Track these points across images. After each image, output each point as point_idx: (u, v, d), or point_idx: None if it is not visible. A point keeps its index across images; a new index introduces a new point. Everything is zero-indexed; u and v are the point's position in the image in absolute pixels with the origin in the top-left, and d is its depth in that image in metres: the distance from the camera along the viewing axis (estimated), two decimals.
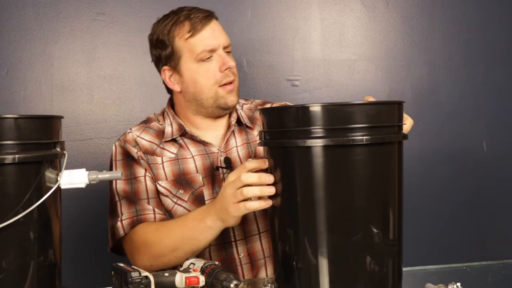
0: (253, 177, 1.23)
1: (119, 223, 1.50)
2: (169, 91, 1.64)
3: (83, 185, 1.12)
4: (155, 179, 1.54)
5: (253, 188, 1.23)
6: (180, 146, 1.58)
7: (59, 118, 1.16)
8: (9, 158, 1.02)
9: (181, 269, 1.27)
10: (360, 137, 1.09)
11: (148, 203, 1.51)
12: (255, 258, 1.56)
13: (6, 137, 1.04)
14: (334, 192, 1.11)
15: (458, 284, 1.18)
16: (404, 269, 1.20)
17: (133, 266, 1.18)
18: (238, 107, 1.64)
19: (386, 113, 1.16)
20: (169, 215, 1.53)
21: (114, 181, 1.54)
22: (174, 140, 1.58)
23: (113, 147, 1.59)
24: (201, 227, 1.38)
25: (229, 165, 1.56)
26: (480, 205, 2.29)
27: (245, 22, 2.14)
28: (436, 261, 1.61)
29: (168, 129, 1.59)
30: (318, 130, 1.10)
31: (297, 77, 2.19)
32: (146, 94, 2.09)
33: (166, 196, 1.54)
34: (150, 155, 1.56)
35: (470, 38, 2.27)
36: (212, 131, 1.61)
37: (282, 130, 1.16)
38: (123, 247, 1.52)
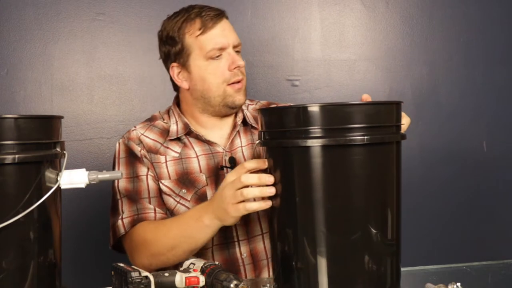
0: (254, 178, 1.23)
1: (119, 222, 1.50)
2: (176, 88, 1.64)
3: (83, 185, 1.12)
4: (157, 178, 1.54)
5: (253, 189, 1.23)
6: (185, 145, 1.58)
7: (59, 118, 1.16)
8: (9, 158, 1.03)
9: (181, 269, 1.27)
10: (359, 137, 1.09)
11: (149, 202, 1.52)
12: (258, 259, 1.56)
13: (6, 137, 1.04)
14: (333, 192, 1.11)
15: (458, 284, 1.18)
16: (404, 269, 1.20)
17: (133, 266, 1.18)
18: (243, 107, 1.64)
19: (384, 113, 1.16)
20: (171, 214, 1.53)
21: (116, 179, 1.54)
22: (178, 139, 1.58)
23: (117, 145, 1.59)
24: (198, 225, 1.37)
25: (234, 165, 1.55)
26: (480, 205, 2.29)
27: (245, 22, 2.14)
28: (436, 261, 1.61)
29: (173, 128, 1.59)
30: (316, 130, 1.10)
31: (297, 77, 2.19)
32: (146, 94, 2.09)
33: (169, 195, 1.54)
34: (153, 153, 1.56)
35: (470, 38, 2.27)
36: (218, 130, 1.61)
37: (281, 130, 1.16)
38: (123, 245, 1.53)
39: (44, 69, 2.03)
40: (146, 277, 1.14)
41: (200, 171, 1.55)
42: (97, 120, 2.06)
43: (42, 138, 1.09)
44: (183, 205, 1.53)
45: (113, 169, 1.59)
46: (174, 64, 1.58)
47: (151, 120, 1.64)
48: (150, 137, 1.58)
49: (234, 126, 1.61)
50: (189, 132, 1.58)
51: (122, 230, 1.49)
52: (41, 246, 1.09)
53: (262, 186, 1.21)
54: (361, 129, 1.10)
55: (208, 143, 1.58)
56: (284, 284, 1.18)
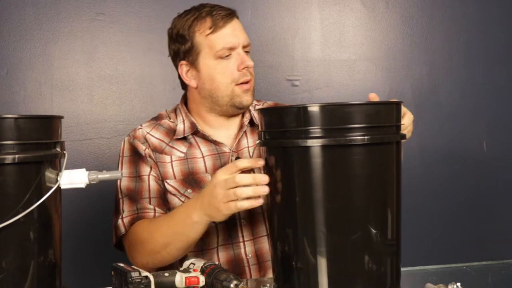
0: (248, 179, 1.22)
1: (120, 221, 1.50)
2: (184, 86, 1.64)
3: (83, 185, 1.12)
4: (161, 178, 1.54)
5: (246, 189, 1.22)
6: (191, 144, 1.57)
7: (59, 118, 1.16)
8: (9, 158, 1.02)
9: (181, 269, 1.26)
10: (359, 137, 1.09)
11: (150, 203, 1.52)
12: (263, 259, 1.55)
13: (6, 137, 1.04)
14: (333, 192, 1.11)
15: (458, 284, 1.18)
16: (404, 269, 1.20)
17: (133, 266, 1.18)
18: (251, 107, 1.63)
19: (384, 113, 1.16)
20: None
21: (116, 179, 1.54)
22: (184, 138, 1.58)
23: (122, 143, 1.60)
24: (187, 223, 1.37)
25: None
26: (480, 205, 2.29)
27: (245, 22, 2.13)
28: (436, 261, 1.61)
29: (180, 127, 1.58)
30: (316, 130, 1.10)
31: (297, 77, 2.19)
32: (146, 94, 2.09)
33: (174, 195, 1.53)
34: (158, 153, 1.55)
35: (470, 38, 2.27)
36: (225, 130, 1.61)
37: (281, 130, 1.16)
38: (124, 245, 1.53)
39: (44, 69, 2.03)
40: (146, 277, 1.14)
41: (206, 171, 1.55)
42: (97, 120, 2.06)
43: (42, 138, 1.09)
44: None
45: (118, 166, 1.59)
46: (183, 62, 1.57)
47: (157, 119, 1.64)
48: (155, 136, 1.58)
49: (241, 126, 1.61)
50: (195, 132, 1.58)
51: (122, 230, 1.49)
52: (41, 246, 1.09)
53: (257, 185, 1.21)
54: (361, 129, 1.10)
55: (215, 143, 1.58)
56: (284, 284, 1.18)
